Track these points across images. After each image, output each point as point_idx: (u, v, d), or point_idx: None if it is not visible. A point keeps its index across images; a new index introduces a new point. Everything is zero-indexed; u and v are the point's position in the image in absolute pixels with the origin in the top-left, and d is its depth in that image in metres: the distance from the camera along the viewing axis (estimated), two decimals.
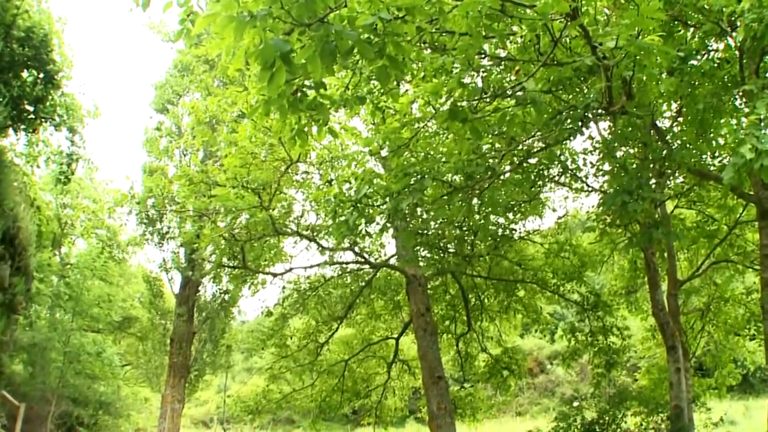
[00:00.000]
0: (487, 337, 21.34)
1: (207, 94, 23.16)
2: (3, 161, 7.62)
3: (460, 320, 20.71)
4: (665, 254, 18.50)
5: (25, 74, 11.18)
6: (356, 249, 18.79)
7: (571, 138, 10.44)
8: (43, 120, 11.27)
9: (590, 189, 15.90)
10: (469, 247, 17.23)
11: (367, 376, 22.62)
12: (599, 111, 9.36)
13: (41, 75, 11.18)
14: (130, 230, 33.70)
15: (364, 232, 11.04)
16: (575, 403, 17.80)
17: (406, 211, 11.24)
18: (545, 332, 50.59)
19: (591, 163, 14.70)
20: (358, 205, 9.51)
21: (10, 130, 11.10)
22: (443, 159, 10.41)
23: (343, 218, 9.72)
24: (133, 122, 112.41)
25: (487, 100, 8.40)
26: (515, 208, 15.49)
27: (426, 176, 9.38)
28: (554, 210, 19.87)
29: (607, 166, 13.86)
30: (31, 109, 10.98)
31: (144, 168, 26.35)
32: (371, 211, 10.00)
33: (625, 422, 16.67)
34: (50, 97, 11.28)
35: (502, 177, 11.36)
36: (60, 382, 29.74)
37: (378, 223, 11.10)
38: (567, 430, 16.75)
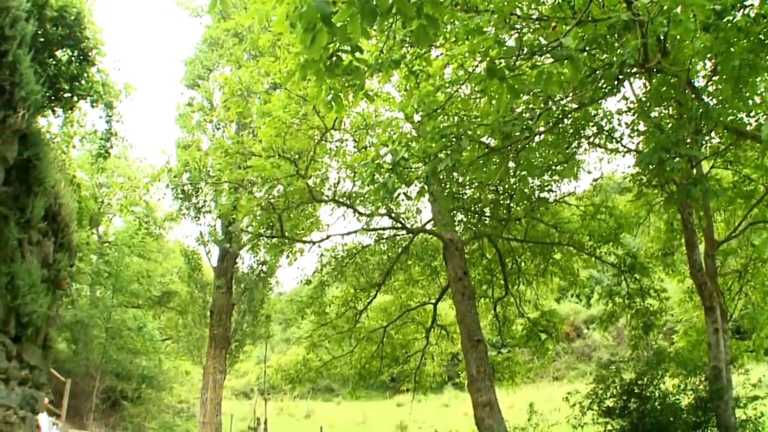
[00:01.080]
0: (524, 301, 21.29)
1: (238, 67, 23.23)
2: (42, 140, 7.73)
3: (497, 284, 20.70)
4: (702, 215, 18.33)
5: (59, 53, 11.30)
6: (393, 215, 18.85)
7: (607, 97, 10.38)
8: (79, 97, 11.41)
9: (626, 149, 15.75)
10: (505, 211, 17.19)
11: (406, 342, 22.72)
12: (634, 69, 9.26)
13: (75, 53, 11.30)
14: (166, 206, 34.12)
15: (402, 195, 11.09)
16: (613, 366, 17.76)
17: (443, 176, 11.27)
18: (582, 296, 50.55)
19: (626, 123, 14.59)
20: (396, 168, 9.52)
21: (48, 110, 11.27)
22: (479, 120, 10.37)
23: (381, 182, 9.75)
24: (165, 99, 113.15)
25: (524, 57, 8.35)
26: (551, 170, 15.40)
27: (462, 137, 9.35)
28: (589, 172, 19.78)
29: (642, 126, 13.74)
30: (68, 87, 11.11)
31: (178, 143, 26.56)
32: (409, 174, 10.02)
33: (664, 383, 16.63)
34: (86, 75, 11.41)
35: (538, 137, 11.32)
36: (103, 357, 30.39)
37: (416, 185, 11.13)
38: (606, 391, 16.77)
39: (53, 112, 11.23)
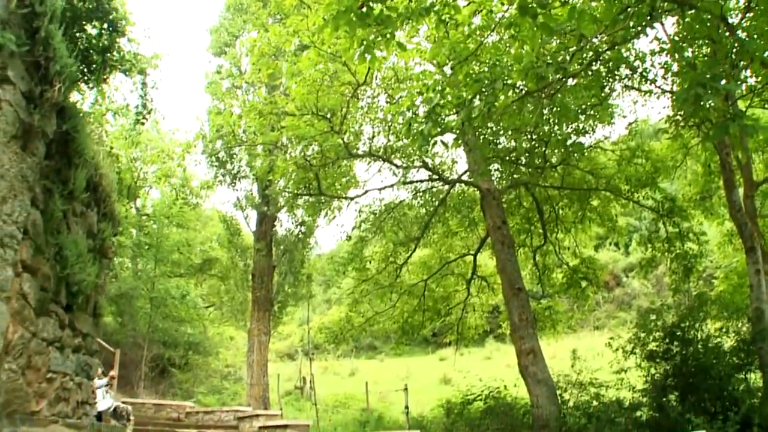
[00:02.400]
0: (563, 248, 21.19)
1: (264, 31, 23.24)
2: (78, 113, 7.84)
3: (535, 233, 20.66)
4: (739, 156, 18.05)
5: (89, 27, 11.33)
6: (429, 166, 18.76)
7: (640, 35, 10.20)
8: (112, 69, 11.46)
9: (660, 90, 15.51)
10: (540, 159, 17.06)
11: (447, 295, 22.82)
12: (666, 6, 9.07)
13: (105, 25, 11.32)
14: (201, 174, 34.35)
15: (439, 143, 11.06)
16: (653, 316, 17.56)
17: (477, 124, 11.19)
18: (620, 244, 50.14)
19: (659, 64, 14.37)
20: (432, 115, 9.50)
21: (82, 84, 11.34)
22: (512, 64, 10.27)
23: (417, 130, 9.72)
24: (191, 71, 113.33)
25: None
26: (585, 113, 15.22)
27: (497, 80, 9.28)
28: (624, 116, 19.52)
29: (676, 67, 13.52)
30: (100, 59, 11.15)
31: (209, 112, 26.69)
32: (445, 121, 9.98)
33: (706, 326, 16.55)
34: (116, 46, 11.44)
35: (571, 80, 11.18)
36: (149, 327, 30.96)
37: (452, 135, 11.10)
38: (648, 336, 16.72)
39: (87, 84, 11.29)
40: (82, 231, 8.05)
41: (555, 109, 12.70)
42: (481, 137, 14.95)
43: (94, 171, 8.27)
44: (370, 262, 21.94)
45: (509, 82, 9.98)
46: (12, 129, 6.01)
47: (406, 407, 24.04)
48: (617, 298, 54.75)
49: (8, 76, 5.88)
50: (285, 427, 17.57)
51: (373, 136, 18.55)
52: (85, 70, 10.75)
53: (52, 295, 7.11)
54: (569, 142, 16.33)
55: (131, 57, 11.42)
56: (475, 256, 21.02)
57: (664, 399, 15.39)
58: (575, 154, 17.18)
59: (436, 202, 20.44)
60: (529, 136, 16.38)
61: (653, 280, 49.44)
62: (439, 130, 9.89)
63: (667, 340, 16.22)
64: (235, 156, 26.98)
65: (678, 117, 15.19)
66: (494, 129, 15.09)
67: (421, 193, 21.24)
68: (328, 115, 15.71)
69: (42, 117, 6.49)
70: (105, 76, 11.20)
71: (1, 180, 5.85)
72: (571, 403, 16.44)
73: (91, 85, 11.39)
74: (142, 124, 12.67)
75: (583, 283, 21.12)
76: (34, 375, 6.72)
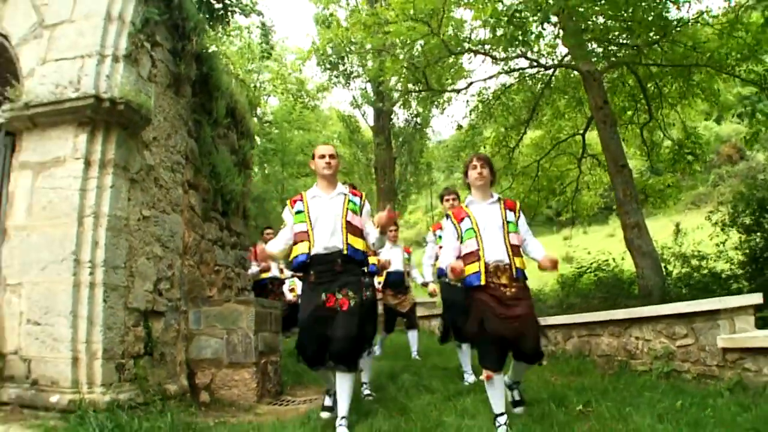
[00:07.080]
0: (668, 124, 21.10)
1: None
2: (212, 55, 9.42)
3: (642, 110, 20.69)
4: None
5: None
6: (527, 56, 18.99)
7: None
8: (232, 13, 12.95)
9: None
10: (637, 37, 16.93)
11: (560, 174, 23.33)
12: None
13: None
14: (316, 78, 35.59)
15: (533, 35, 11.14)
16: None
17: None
18: (744, 116, 47.79)
19: None
20: (512, 19, 9.69)
21: (210, 30, 12.83)
22: None
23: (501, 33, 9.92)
24: None
25: None
26: None
27: None
28: None
29: None
30: (221, 5, 12.63)
31: (316, 18, 27.65)
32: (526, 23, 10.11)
33: None
34: None
35: None
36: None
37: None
38: (745, 208, 15.92)
39: (213, 29, 12.81)
40: (227, 149, 9.86)
41: None
42: (573, 18, 15.19)
43: (230, 99, 9.96)
44: (483, 147, 22.39)
45: None
46: (166, 80, 7.69)
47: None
48: (741, 173, 52.52)
49: (157, 40, 7.54)
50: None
51: (472, 31, 18.89)
52: (209, 17, 12.26)
53: (212, 205, 9.04)
54: (665, 13, 16.09)
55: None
56: (583, 135, 21.38)
57: (759, 271, 14.79)
58: (674, 30, 16.99)
59: (541, 87, 20.78)
60: (623, 14, 16.27)
61: None
62: (519, 32, 10.09)
63: (757, 213, 15.57)
64: (347, 58, 28.17)
65: None
66: (587, 9, 15.01)
67: (526, 78, 21.46)
68: (427, 19, 16.34)
69: (186, 66, 8.12)
70: (227, 20, 12.68)
71: (165, 121, 7.58)
72: (674, 275, 16.75)
73: (215, 29, 12.92)
74: (268, 58, 14.04)
75: (689, 158, 21.15)
76: (206, 268, 8.68)
